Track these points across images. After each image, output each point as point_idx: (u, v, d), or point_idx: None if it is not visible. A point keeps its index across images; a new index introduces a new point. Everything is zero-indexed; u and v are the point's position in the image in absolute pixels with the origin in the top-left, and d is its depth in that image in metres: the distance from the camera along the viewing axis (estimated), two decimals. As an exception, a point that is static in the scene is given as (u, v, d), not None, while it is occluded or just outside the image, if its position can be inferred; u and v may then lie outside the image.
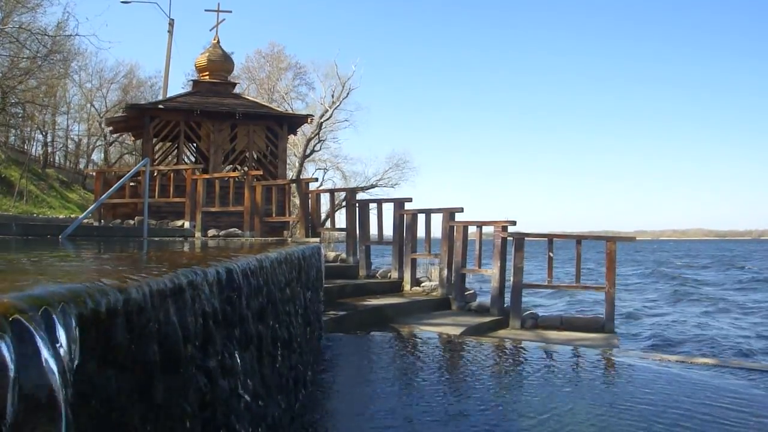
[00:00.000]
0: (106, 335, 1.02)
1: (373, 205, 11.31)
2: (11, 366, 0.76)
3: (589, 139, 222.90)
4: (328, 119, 35.48)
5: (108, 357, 1.02)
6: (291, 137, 23.71)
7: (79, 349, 0.92)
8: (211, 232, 12.41)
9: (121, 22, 69.18)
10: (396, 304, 8.56)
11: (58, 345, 0.86)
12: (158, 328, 1.25)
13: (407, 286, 10.03)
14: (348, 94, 35.39)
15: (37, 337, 0.81)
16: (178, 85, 35.73)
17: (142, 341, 1.16)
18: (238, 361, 1.93)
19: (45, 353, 0.82)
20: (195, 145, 19.29)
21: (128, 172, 10.94)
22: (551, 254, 8.94)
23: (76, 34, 21.02)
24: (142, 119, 16.76)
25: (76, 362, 0.90)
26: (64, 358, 0.86)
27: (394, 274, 10.32)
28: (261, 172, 14.95)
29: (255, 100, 21.16)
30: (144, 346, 1.17)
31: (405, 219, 10.33)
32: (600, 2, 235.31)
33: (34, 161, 39.58)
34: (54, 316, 0.87)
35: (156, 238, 8.43)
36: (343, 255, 11.21)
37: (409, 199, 10.60)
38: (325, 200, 16.94)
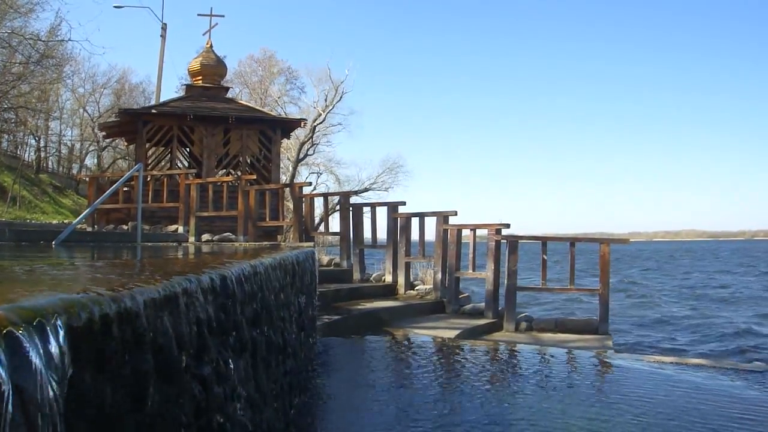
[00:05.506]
0: (100, 345, 1.02)
1: (366, 209, 11.31)
2: (5, 379, 0.76)
3: (582, 141, 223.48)
4: (321, 123, 35.56)
5: (102, 367, 1.02)
6: (284, 141, 23.69)
7: (73, 359, 0.92)
8: (205, 236, 12.38)
9: (113, 26, 69.17)
10: (390, 307, 8.56)
11: (51, 356, 0.86)
12: (152, 336, 1.25)
13: (401, 290, 10.03)
14: (341, 97, 35.51)
15: (31, 349, 0.81)
16: (171, 90, 35.74)
17: (136, 350, 1.16)
18: (233, 367, 1.93)
19: (38, 365, 0.82)
20: (188, 149, 19.26)
21: (121, 177, 10.92)
22: (545, 257, 8.97)
23: (69, 39, 21.00)
24: (135, 124, 16.73)
25: (69, 373, 0.90)
26: (57, 370, 0.87)
27: (388, 278, 10.33)
28: (254, 177, 14.93)
29: (248, 104, 21.17)
30: (138, 356, 1.17)
31: (399, 222, 10.34)
32: (594, 7, 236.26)
33: (27, 166, 39.41)
34: (47, 327, 0.87)
35: (149, 244, 8.41)
36: (337, 259, 11.20)
37: (403, 203, 10.62)
38: (318, 204, 17.00)
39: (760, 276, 33.26)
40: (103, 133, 24.41)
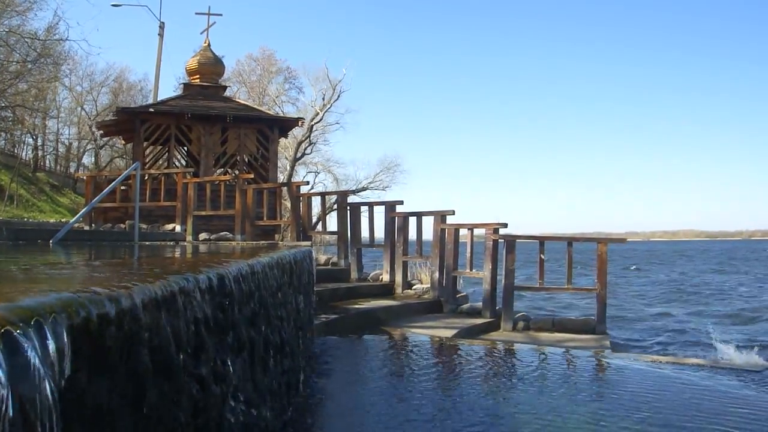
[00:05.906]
0: (98, 345, 1.02)
1: (364, 208, 11.30)
2: (4, 379, 0.75)
3: (581, 141, 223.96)
4: (318, 122, 35.49)
5: (100, 367, 1.02)
6: (282, 140, 23.66)
7: (71, 359, 0.91)
8: (203, 235, 12.37)
9: (111, 25, 68.93)
10: (388, 306, 8.56)
11: (49, 356, 0.86)
12: (150, 336, 1.25)
13: (399, 289, 10.03)
14: (338, 96, 35.41)
15: (29, 349, 0.81)
16: (169, 89, 35.58)
17: (134, 350, 1.16)
18: (231, 367, 1.93)
19: (37, 365, 0.82)
20: (186, 148, 19.22)
21: (119, 175, 10.90)
22: (542, 256, 8.97)
23: (67, 39, 20.96)
24: (132, 123, 16.69)
25: (67, 373, 0.90)
26: (55, 369, 0.86)
27: (386, 277, 10.32)
28: (252, 176, 14.94)
29: (246, 103, 21.12)
30: (136, 355, 1.17)
31: (396, 222, 10.34)
32: (594, 7, 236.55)
33: (25, 165, 39.37)
34: (45, 327, 0.86)
35: (147, 243, 8.40)
36: (335, 258, 11.20)
37: (401, 202, 10.62)
38: (316, 203, 16.93)
39: (740, 275, 33.38)
40: (101, 132, 24.38)
